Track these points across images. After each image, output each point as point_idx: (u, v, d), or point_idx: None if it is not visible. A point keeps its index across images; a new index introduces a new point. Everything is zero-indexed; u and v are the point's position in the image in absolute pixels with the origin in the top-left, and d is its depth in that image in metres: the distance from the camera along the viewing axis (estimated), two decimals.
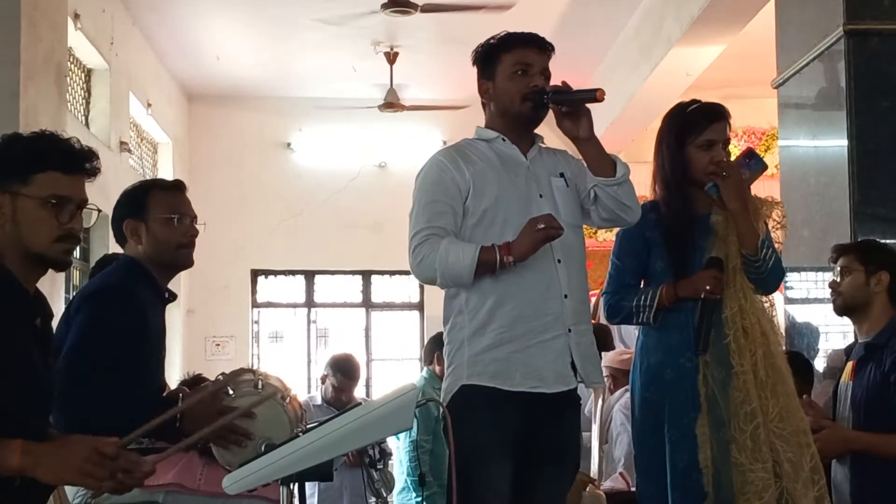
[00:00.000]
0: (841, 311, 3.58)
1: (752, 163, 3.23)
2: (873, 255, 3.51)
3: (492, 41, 3.06)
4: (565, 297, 2.92)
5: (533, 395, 2.86)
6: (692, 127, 3.20)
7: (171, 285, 3.17)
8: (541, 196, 2.96)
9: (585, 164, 3.00)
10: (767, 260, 3.18)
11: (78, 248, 7.35)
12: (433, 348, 5.78)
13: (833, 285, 3.52)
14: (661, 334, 3.19)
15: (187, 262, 3.11)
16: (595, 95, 2.88)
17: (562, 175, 3.03)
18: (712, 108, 3.24)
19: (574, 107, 2.92)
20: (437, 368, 5.59)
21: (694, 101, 3.29)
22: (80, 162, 2.27)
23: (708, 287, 3.07)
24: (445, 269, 2.83)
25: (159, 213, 3.02)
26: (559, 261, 2.93)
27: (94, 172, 2.31)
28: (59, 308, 3.26)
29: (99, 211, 2.36)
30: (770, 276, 3.23)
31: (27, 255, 2.23)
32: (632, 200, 3.00)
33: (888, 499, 3.35)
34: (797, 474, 3.01)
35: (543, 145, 3.10)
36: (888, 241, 4.23)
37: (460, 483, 2.77)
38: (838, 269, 3.53)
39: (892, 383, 3.31)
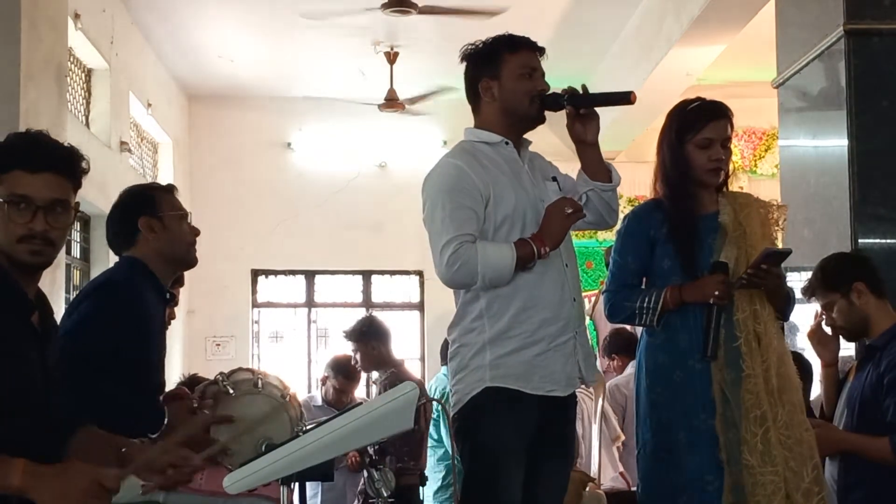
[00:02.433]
0: (852, 338, 3.62)
1: (774, 258, 3.10)
2: (836, 277, 3.51)
3: (490, 41, 3.06)
4: (573, 300, 2.98)
5: (547, 398, 2.91)
6: (691, 125, 3.20)
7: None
8: (542, 201, 2.99)
9: (580, 168, 3.05)
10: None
11: (78, 248, 7.41)
12: None
13: (830, 324, 3.55)
14: (668, 335, 3.17)
15: (195, 260, 3.20)
16: (629, 98, 2.93)
17: (554, 179, 3.08)
18: (712, 106, 3.24)
19: (590, 108, 2.97)
20: None
21: (697, 99, 3.28)
22: (43, 159, 2.21)
23: (716, 293, 3.06)
24: (488, 272, 2.85)
25: (172, 210, 3.11)
26: (566, 265, 2.98)
27: (64, 169, 2.24)
28: (58, 308, 3.27)
29: (77, 210, 2.31)
30: (788, 309, 3.25)
31: (6, 256, 2.22)
32: (617, 206, 3.14)
33: (875, 499, 3.36)
34: (797, 484, 3.01)
35: (530, 150, 3.13)
36: (888, 242, 4.24)
37: (482, 482, 2.80)
38: (820, 307, 3.56)
39: (885, 385, 3.32)
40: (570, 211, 2.89)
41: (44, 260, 2.26)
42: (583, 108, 2.96)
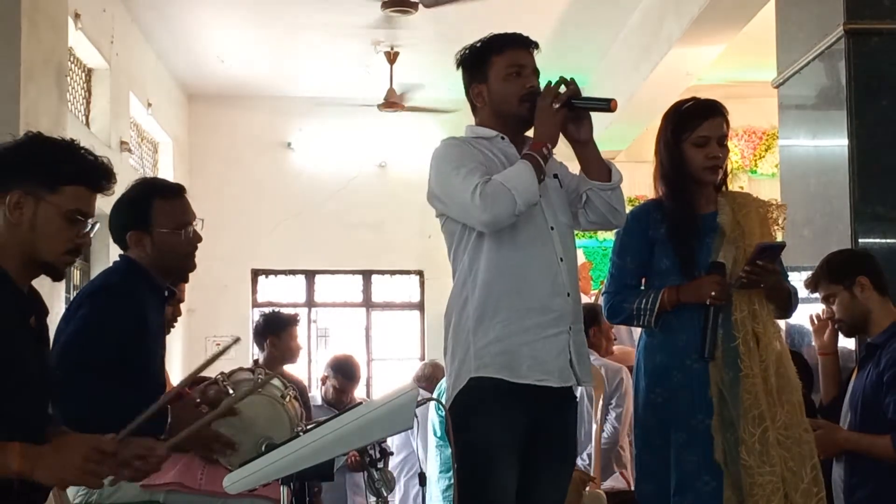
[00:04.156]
0: (851, 333, 3.63)
1: (769, 252, 3.10)
2: (841, 270, 3.53)
3: (478, 45, 3.06)
4: (568, 295, 2.95)
5: (539, 389, 2.87)
6: (687, 124, 3.21)
7: None
8: (540, 196, 2.96)
9: (578, 168, 3.03)
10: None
11: None
12: None
13: (829, 316, 3.56)
14: (666, 335, 3.18)
15: (191, 267, 3.14)
16: (609, 106, 2.91)
17: (556, 176, 3.07)
18: (707, 104, 3.26)
19: (576, 111, 2.94)
20: None
21: (691, 99, 3.30)
22: (104, 182, 2.32)
23: (713, 293, 3.06)
24: (519, 191, 2.81)
25: (165, 226, 3.02)
26: (561, 259, 2.96)
27: (110, 192, 2.37)
28: (59, 308, 3.27)
29: (96, 223, 2.37)
30: (791, 306, 3.25)
31: (31, 259, 2.23)
32: (621, 205, 3.04)
33: (879, 498, 3.36)
34: (796, 484, 3.01)
35: None
36: (888, 241, 4.24)
37: (473, 479, 2.78)
38: (822, 299, 3.57)
39: (885, 384, 3.33)
40: (557, 106, 2.87)
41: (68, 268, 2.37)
42: (570, 109, 2.94)
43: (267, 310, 10.54)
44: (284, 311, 5.96)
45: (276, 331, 5.48)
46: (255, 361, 5.44)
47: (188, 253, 3.08)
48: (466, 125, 3.13)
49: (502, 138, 3.03)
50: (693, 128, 3.19)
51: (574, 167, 3.15)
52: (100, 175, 2.30)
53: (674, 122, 3.25)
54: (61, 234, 2.24)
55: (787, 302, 3.20)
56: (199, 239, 3.12)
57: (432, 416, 5.97)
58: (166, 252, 3.03)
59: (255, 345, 5.85)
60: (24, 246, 2.22)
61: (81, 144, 2.34)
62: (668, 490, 3.10)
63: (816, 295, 3.67)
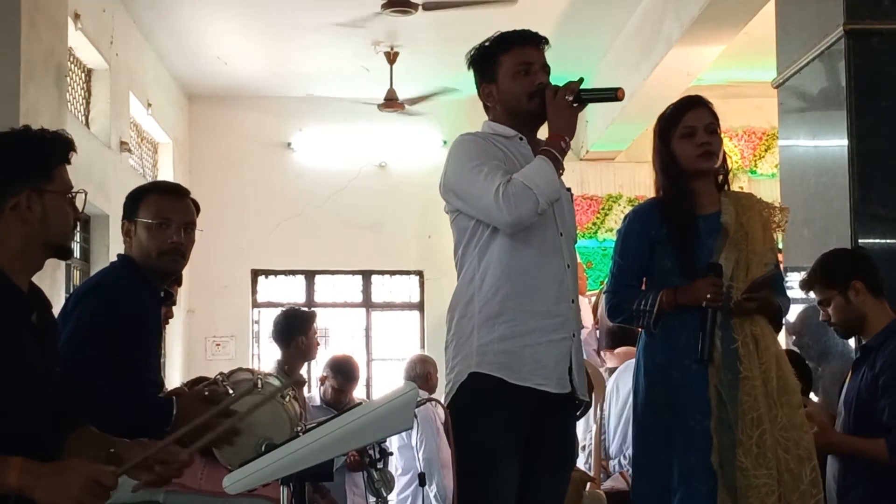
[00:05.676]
0: (846, 335, 3.64)
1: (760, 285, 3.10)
2: (835, 274, 3.53)
3: (486, 44, 3.06)
4: (572, 301, 2.97)
5: (538, 393, 2.87)
6: (671, 120, 3.24)
7: None
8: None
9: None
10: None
11: (78, 248, 7.41)
12: None
13: (825, 319, 3.57)
14: (666, 335, 3.17)
15: (169, 269, 3.10)
16: (616, 95, 2.92)
17: (569, 190, 3.09)
18: (686, 98, 3.31)
19: (584, 104, 2.95)
20: None
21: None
22: (72, 151, 2.37)
23: (709, 295, 3.06)
24: (541, 189, 2.82)
25: (145, 217, 3.04)
26: (568, 265, 2.97)
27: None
28: (57, 308, 3.26)
29: (85, 193, 2.42)
30: (778, 321, 3.28)
31: (41, 248, 2.28)
32: None
33: (873, 499, 3.37)
34: (795, 485, 3.01)
35: None
36: (888, 241, 4.24)
37: (471, 479, 2.78)
38: (818, 302, 3.58)
39: (880, 387, 3.33)
40: (570, 98, 2.88)
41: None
42: (576, 103, 2.95)
43: (267, 310, 10.67)
44: None
45: (304, 329, 5.44)
46: (279, 362, 5.41)
47: (166, 250, 3.03)
48: (484, 121, 3.12)
49: (521, 139, 3.02)
50: (677, 122, 3.22)
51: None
52: (69, 149, 2.36)
53: (660, 125, 3.29)
54: (67, 214, 2.32)
55: (775, 318, 3.21)
56: (179, 240, 3.06)
57: (440, 416, 5.97)
58: (142, 245, 3.04)
59: (271, 345, 5.81)
60: (35, 239, 2.25)
61: (30, 127, 2.38)
62: (663, 489, 3.10)
63: (813, 295, 3.68)
